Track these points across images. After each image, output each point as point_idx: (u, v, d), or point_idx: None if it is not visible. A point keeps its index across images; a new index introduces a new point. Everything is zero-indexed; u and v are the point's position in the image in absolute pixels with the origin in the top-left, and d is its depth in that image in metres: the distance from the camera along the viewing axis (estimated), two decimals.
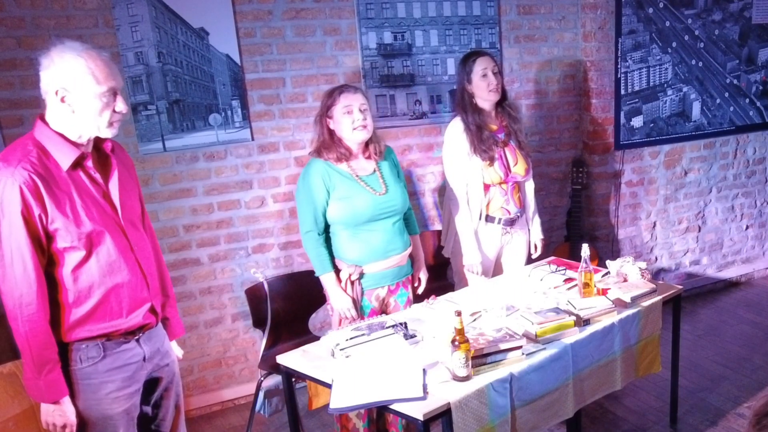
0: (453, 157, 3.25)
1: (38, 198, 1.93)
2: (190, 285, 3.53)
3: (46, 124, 2.01)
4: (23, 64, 3.03)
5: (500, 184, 3.26)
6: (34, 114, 3.04)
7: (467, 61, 3.25)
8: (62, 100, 1.96)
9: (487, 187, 3.25)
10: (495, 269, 3.45)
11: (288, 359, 2.55)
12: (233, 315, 3.66)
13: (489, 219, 3.29)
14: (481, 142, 3.19)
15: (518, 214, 3.34)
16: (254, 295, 3.26)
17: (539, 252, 3.51)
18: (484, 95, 3.21)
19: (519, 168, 3.30)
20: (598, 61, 4.19)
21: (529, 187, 3.44)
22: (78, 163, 2.02)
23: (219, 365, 3.69)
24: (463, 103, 3.26)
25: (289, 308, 3.28)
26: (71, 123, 1.99)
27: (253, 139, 3.53)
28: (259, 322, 3.27)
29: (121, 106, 2.03)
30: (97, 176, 2.07)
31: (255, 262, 3.64)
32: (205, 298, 3.58)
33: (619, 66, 4.24)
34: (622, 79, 4.28)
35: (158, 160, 3.36)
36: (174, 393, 2.36)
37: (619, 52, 4.22)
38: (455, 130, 3.26)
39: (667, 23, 4.32)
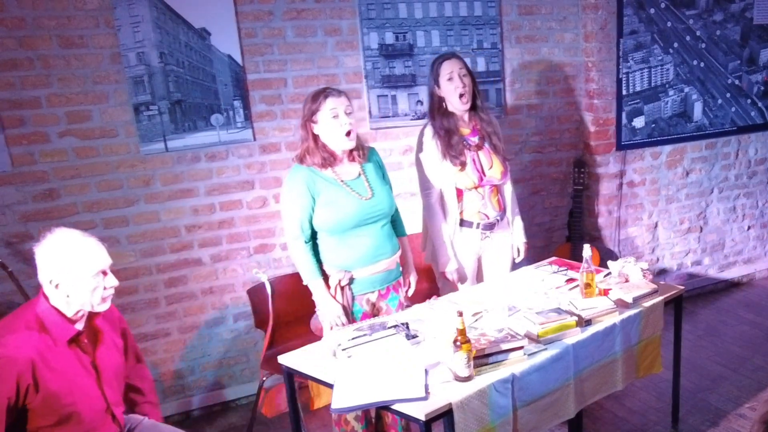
0: (424, 163, 3.19)
1: (32, 378, 2.05)
2: (192, 285, 3.53)
3: (47, 298, 2.13)
4: (24, 65, 3.04)
5: (475, 188, 3.19)
6: (36, 114, 3.10)
7: (434, 64, 3.18)
8: (56, 287, 2.09)
9: (460, 192, 3.18)
10: (478, 274, 3.37)
11: (290, 359, 2.55)
12: (235, 315, 3.66)
13: (466, 224, 3.22)
14: (450, 147, 3.12)
15: (498, 218, 3.27)
16: (256, 295, 3.26)
17: (522, 256, 3.42)
18: (453, 99, 3.14)
19: (494, 171, 3.21)
20: (600, 62, 4.19)
21: (508, 189, 3.35)
22: (73, 339, 2.17)
23: (220, 365, 3.69)
24: (433, 108, 3.20)
25: (291, 308, 3.27)
26: (67, 304, 2.14)
27: (254, 140, 3.53)
28: (260, 323, 3.28)
29: (110, 281, 2.16)
30: (89, 348, 2.23)
31: (257, 262, 3.64)
32: (207, 298, 3.58)
33: (620, 66, 4.23)
34: (624, 79, 4.28)
35: (160, 160, 3.36)
36: None
37: (621, 53, 4.22)
38: (426, 136, 3.19)
39: (669, 24, 4.32)
